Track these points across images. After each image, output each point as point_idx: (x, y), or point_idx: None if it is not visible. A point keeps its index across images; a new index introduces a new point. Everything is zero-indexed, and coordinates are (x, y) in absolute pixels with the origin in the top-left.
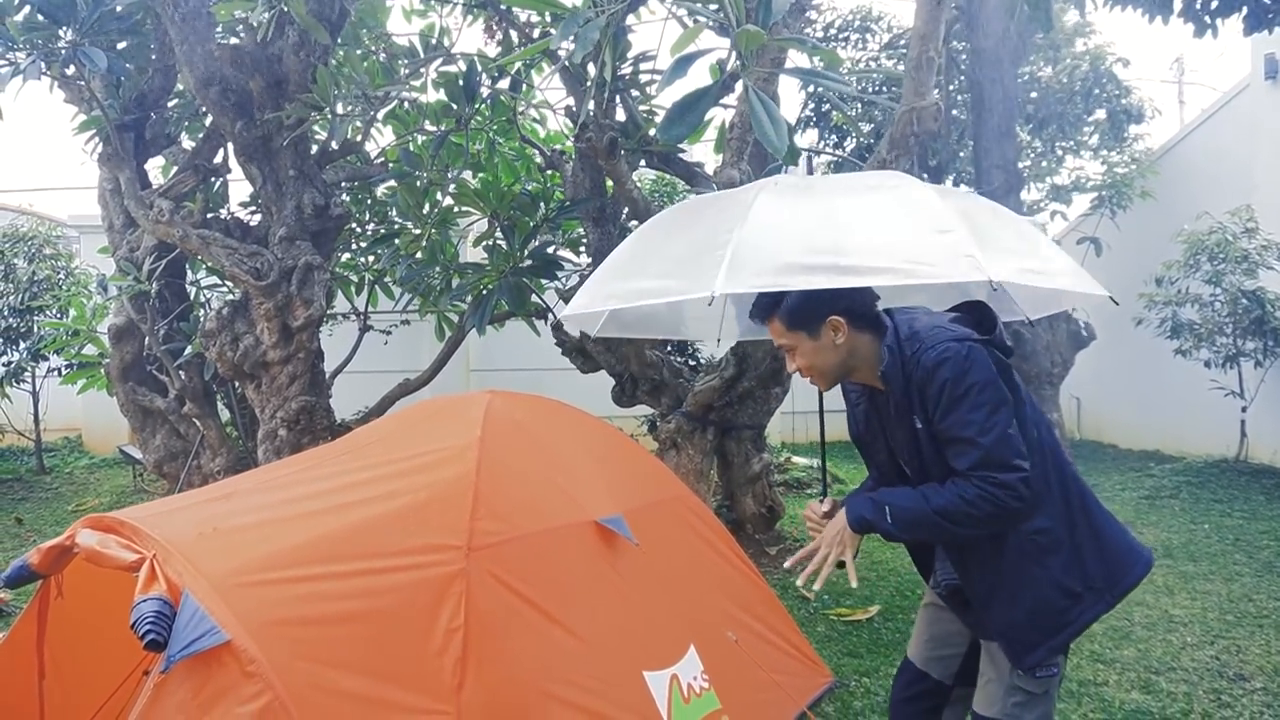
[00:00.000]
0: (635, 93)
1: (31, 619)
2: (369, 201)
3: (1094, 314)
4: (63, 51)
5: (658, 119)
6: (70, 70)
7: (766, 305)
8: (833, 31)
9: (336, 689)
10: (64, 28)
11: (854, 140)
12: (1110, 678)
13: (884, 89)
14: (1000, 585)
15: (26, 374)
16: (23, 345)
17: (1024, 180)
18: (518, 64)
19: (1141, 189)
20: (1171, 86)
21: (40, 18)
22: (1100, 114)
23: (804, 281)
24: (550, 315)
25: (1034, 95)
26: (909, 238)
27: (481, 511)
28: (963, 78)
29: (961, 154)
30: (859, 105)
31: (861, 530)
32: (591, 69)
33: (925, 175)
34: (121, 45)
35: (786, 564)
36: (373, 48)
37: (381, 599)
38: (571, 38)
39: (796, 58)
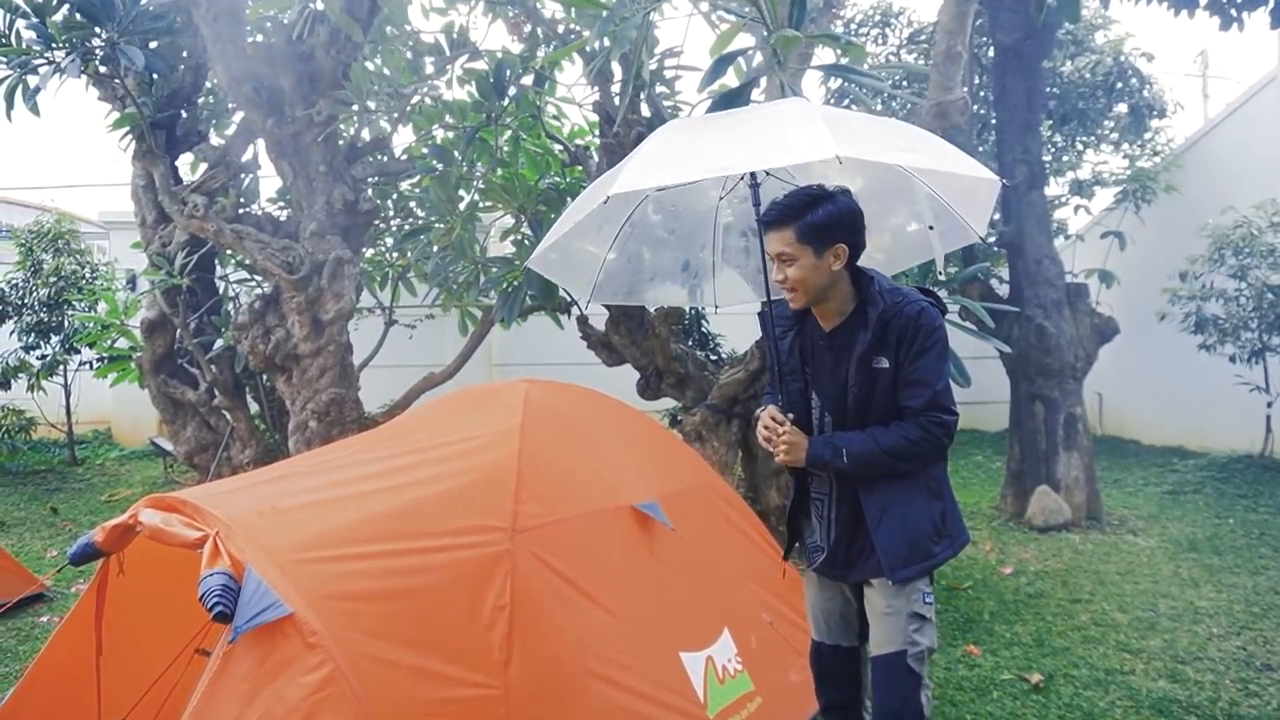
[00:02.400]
0: (661, 88)
1: (91, 597)
2: (394, 197)
3: (1117, 309)
4: (99, 50)
5: (682, 114)
6: (104, 69)
7: (789, 210)
8: (853, 27)
9: (392, 661)
10: (101, 27)
11: None
12: (1137, 667)
13: (903, 84)
14: (893, 508)
15: (60, 367)
16: (54, 339)
17: (1047, 175)
18: (541, 59)
19: (1166, 183)
20: (1195, 80)
21: (78, 17)
22: (1122, 108)
23: (908, 159)
24: (575, 309)
25: (1055, 90)
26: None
27: (524, 495)
28: (984, 74)
29: (981, 149)
30: (880, 100)
31: (814, 465)
32: (616, 67)
33: None
34: (154, 44)
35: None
36: (399, 45)
37: (431, 576)
38: (607, 38)
39: (823, 52)
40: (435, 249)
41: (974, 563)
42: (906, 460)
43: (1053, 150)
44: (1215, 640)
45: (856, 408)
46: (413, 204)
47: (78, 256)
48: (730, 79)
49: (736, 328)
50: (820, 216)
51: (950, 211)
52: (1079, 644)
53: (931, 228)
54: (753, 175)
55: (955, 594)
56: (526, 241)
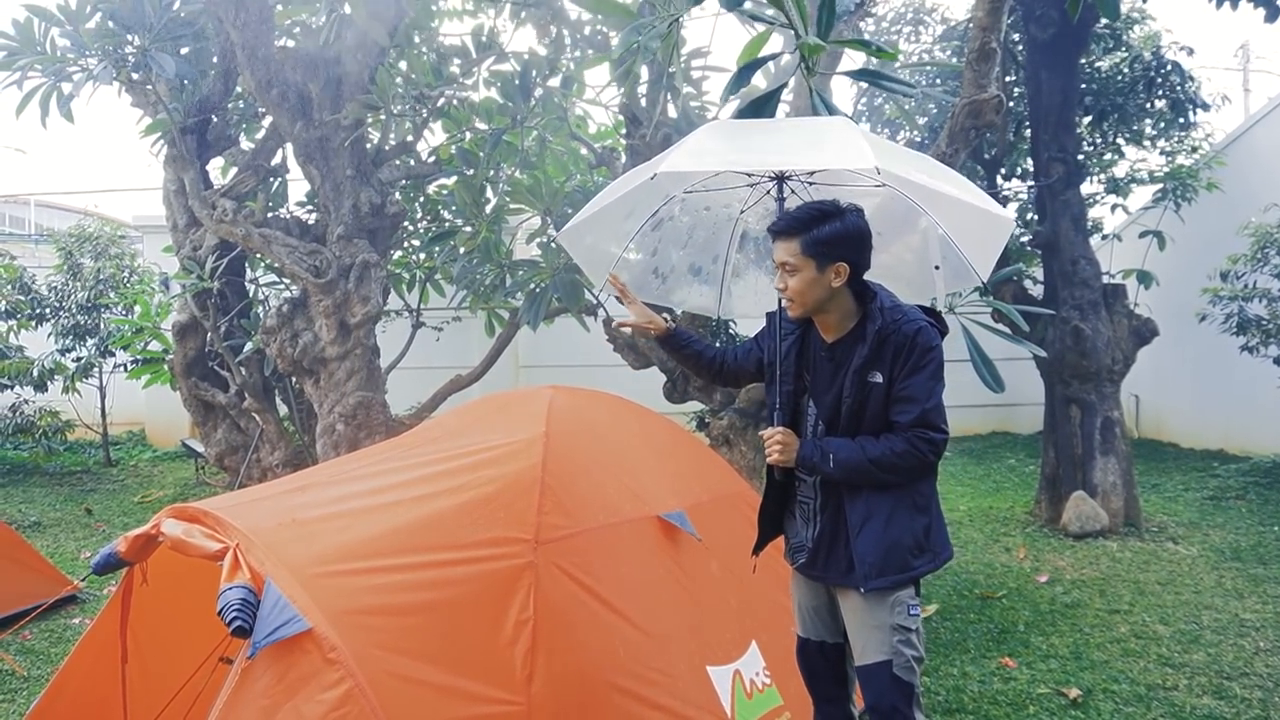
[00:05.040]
0: (688, 88)
1: (116, 605)
2: (421, 199)
3: (1155, 310)
4: (132, 57)
5: (709, 115)
6: (137, 75)
7: (797, 222)
8: (885, 24)
9: (412, 678)
10: (133, 34)
11: (905, 133)
12: (1180, 682)
13: (938, 81)
14: (875, 518)
15: (95, 369)
16: (90, 341)
17: (1083, 173)
18: (568, 62)
19: (1208, 180)
20: (1236, 74)
21: (111, 25)
22: (1161, 104)
23: (931, 184)
24: (602, 311)
25: (1092, 86)
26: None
27: (548, 506)
28: (1018, 70)
29: (1016, 147)
30: (912, 100)
31: (802, 466)
32: (643, 68)
33: (981, 169)
34: (184, 50)
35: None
36: (424, 48)
37: (453, 590)
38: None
39: (855, 51)
40: (462, 251)
41: (1008, 571)
42: (890, 472)
43: (1089, 147)
44: (1262, 655)
45: (849, 418)
46: (439, 207)
47: (118, 260)
48: (758, 80)
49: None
50: (826, 232)
51: (958, 253)
52: (1118, 657)
53: (937, 267)
54: (780, 187)
55: (989, 603)
56: (553, 244)
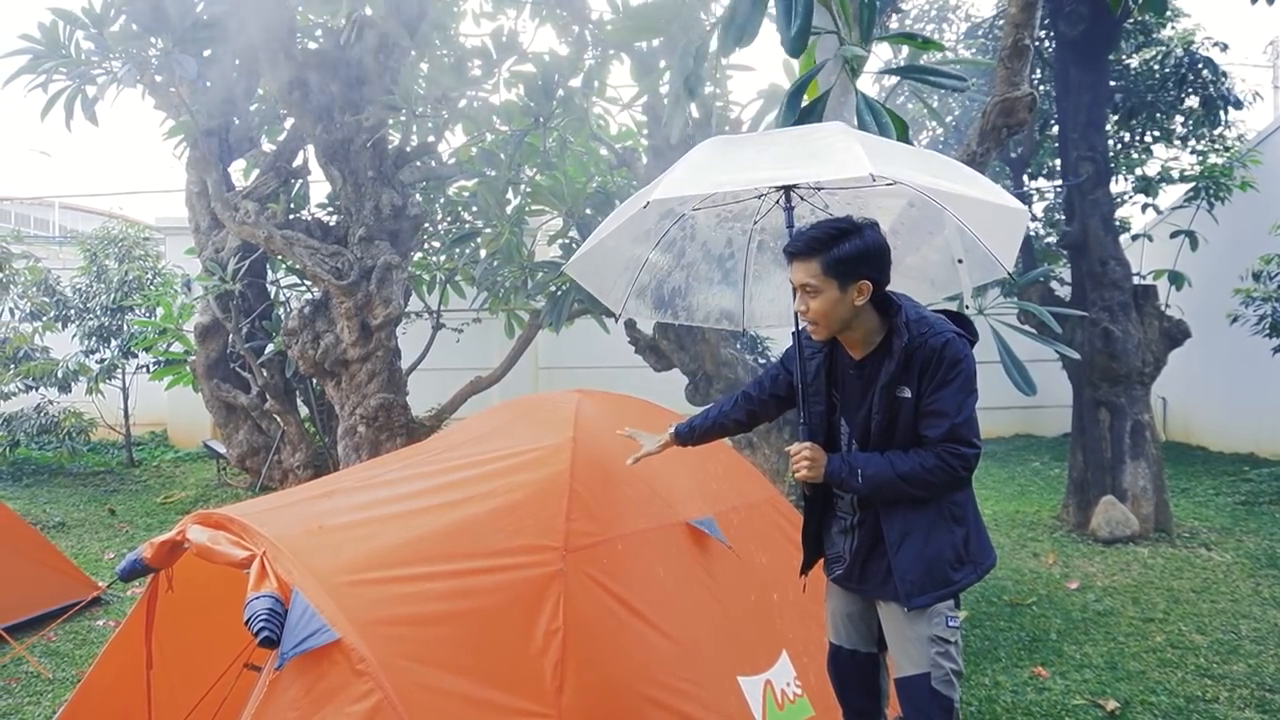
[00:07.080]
0: (711, 87)
1: (142, 611)
2: (442, 201)
3: (1185, 310)
4: (155, 60)
5: (732, 115)
6: (160, 78)
7: (816, 242)
8: (909, 22)
9: (440, 689)
10: (156, 37)
11: (929, 133)
12: (1220, 694)
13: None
14: (913, 534)
15: (118, 371)
16: (114, 343)
17: (1113, 172)
18: (589, 62)
19: (1243, 179)
20: (1265, 71)
21: (134, 27)
22: (1193, 101)
23: (936, 184)
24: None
25: (1121, 83)
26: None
27: (576, 513)
28: (1045, 67)
29: (1043, 145)
30: (935, 98)
31: (831, 481)
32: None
33: (1009, 168)
34: (207, 53)
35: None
36: (443, 50)
37: (482, 599)
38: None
39: (879, 47)
40: (483, 253)
41: (1037, 577)
42: (920, 488)
43: (1119, 146)
44: None
45: (879, 435)
46: (460, 208)
47: (142, 263)
48: (779, 79)
49: (786, 332)
50: (847, 251)
51: (980, 245)
52: (1155, 667)
53: (960, 261)
54: (787, 197)
55: (1019, 611)
56: (574, 245)
